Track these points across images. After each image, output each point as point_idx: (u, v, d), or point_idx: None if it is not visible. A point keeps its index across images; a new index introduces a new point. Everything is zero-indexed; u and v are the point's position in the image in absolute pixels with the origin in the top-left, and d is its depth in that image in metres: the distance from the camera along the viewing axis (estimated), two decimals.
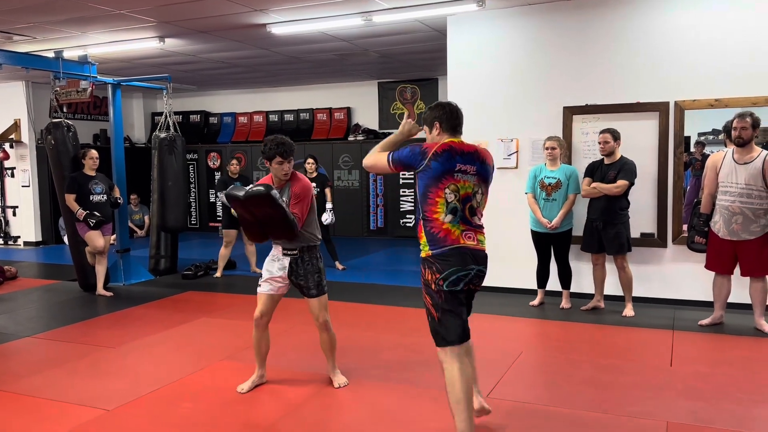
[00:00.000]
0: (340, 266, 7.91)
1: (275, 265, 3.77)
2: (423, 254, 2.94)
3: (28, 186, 10.79)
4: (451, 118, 3.03)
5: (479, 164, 2.96)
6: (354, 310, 5.82)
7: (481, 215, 3.01)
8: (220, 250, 7.59)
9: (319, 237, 3.88)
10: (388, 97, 11.13)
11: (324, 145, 11.24)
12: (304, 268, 3.73)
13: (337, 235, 10.00)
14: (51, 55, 6.87)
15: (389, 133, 11.17)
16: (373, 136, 11.03)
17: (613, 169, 5.34)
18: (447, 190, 2.89)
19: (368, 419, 3.41)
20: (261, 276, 3.83)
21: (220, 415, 3.48)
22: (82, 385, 3.97)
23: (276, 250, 3.79)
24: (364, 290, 6.70)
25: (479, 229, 2.98)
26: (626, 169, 5.30)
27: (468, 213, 2.92)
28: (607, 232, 5.37)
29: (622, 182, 5.26)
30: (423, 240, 2.94)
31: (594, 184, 5.38)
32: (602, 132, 5.40)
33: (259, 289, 3.82)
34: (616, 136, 5.36)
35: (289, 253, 3.73)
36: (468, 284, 2.92)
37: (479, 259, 2.94)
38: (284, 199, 3.63)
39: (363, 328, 5.24)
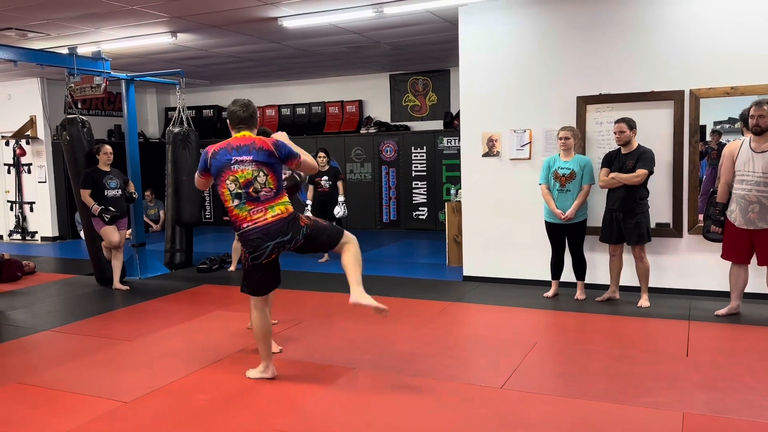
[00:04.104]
0: None
1: None
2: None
3: (45, 182, 10.91)
4: (234, 117, 3.59)
5: (255, 152, 3.48)
6: None
7: (271, 190, 3.50)
8: (232, 243, 7.64)
9: None
10: (400, 89, 11.11)
11: (336, 138, 11.24)
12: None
13: (349, 228, 10.01)
14: (65, 51, 6.93)
15: (402, 126, 11.14)
16: (385, 129, 11.02)
17: (630, 158, 5.29)
18: (227, 182, 3.47)
19: (382, 410, 3.42)
20: None
21: (236, 406, 3.51)
22: (100, 378, 4.02)
23: None
24: (377, 282, 6.70)
25: (269, 200, 3.49)
26: (645, 158, 5.25)
27: (253, 193, 3.47)
28: (627, 222, 5.32)
29: (641, 171, 5.21)
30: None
31: (612, 174, 5.33)
32: (617, 121, 5.35)
33: None
34: (631, 125, 5.30)
35: None
36: (269, 256, 3.51)
37: (273, 233, 3.46)
38: None
39: (376, 319, 5.24)
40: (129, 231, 7.13)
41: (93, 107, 11.45)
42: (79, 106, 7.09)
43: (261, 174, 3.47)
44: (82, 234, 8.75)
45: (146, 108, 12.82)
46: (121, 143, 7.99)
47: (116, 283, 6.73)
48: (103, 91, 6.86)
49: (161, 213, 11.30)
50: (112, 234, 6.50)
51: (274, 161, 3.53)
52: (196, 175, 3.75)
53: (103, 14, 6.40)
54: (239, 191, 3.43)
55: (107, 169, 6.60)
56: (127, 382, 3.90)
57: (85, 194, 6.45)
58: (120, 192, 6.62)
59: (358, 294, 3.55)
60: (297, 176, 5.05)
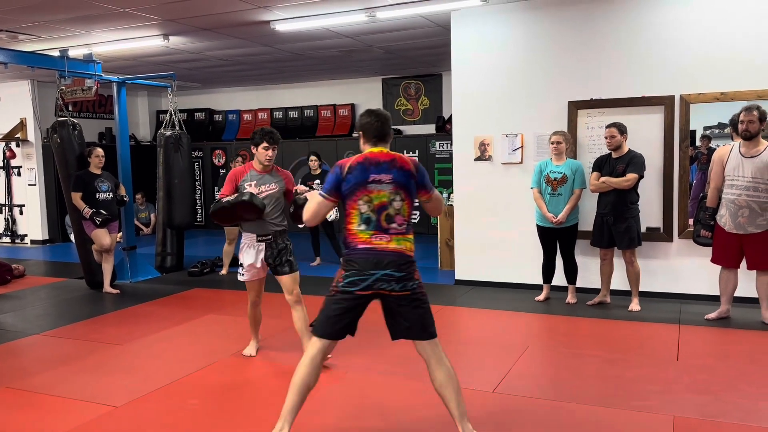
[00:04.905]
0: None
1: (251, 253, 4.15)
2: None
3: (35, 184, 10.84)
4: (372, 128, 3.04)
5: (395, 171, 2.95)
6: None
7: (403, 221, 2.97)
8: (223, 247, 7.63)
9: (286, 223, 4.29)
10: (393, 93, 11.12)
11: (328, 141, 11.25)
12: (278, 249, 4.16)
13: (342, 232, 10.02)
14: (56, 53, 6.89)
15: (395, 130, 11.20)
16: None
17: (621, 162, 5.32)
18: (360, 202, 2.93)
19: (374, 413, 3.42)
20: (241, 267, 4.20)
21: (227, 411, 3.50)
22: (90, 382, 3.99)
23: (248, 239, 4.18)
24: None
25: (398, 234, 2.95)
26: (635, 162, 5.28)
27: (384, 221, 2.94)
28: (618, 227, 5.35)
29: (631, 175, 5.25)
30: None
31: (603, 179, 5.36)
32: (608, 126, 5.39)
33: (244, 278, 4.22)
34: (622, 130, 5.34)
35: (263, 238, 4.15)
36: (368, 289, 2.90)
37: (386, 262, 2.89)
38: (268, 186, 4.14)
39: (368, 324, 5.24)
40: (120, 234, 7.09)
41: (84, 110, 11.39)
42: (70, 108, 7.07)
43: (397, 199, 2.95)
44: (72, 237, 8.69)
45: (138, 111, 12.77)
46: (112, 146, 7.95)
47: (106, 287, 6.69)
48: (94, 93, 6.84)
49: (152, 216, 11.25)
50: (103, 237, 6.46)
51: (413, 186, 3.00)
52: (318, 199, 3.03)
53: (95, 17, 6.38)
54: (370, 215, 2.92)
55: (98, 172, 6.57)
56: (117, 387, 3.88)
57: (76, 197, 6.41)
58: (111, 195, 6.59)
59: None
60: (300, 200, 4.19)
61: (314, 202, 3.06)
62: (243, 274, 4.21)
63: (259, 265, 4.16)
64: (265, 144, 4.08)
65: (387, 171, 2.95)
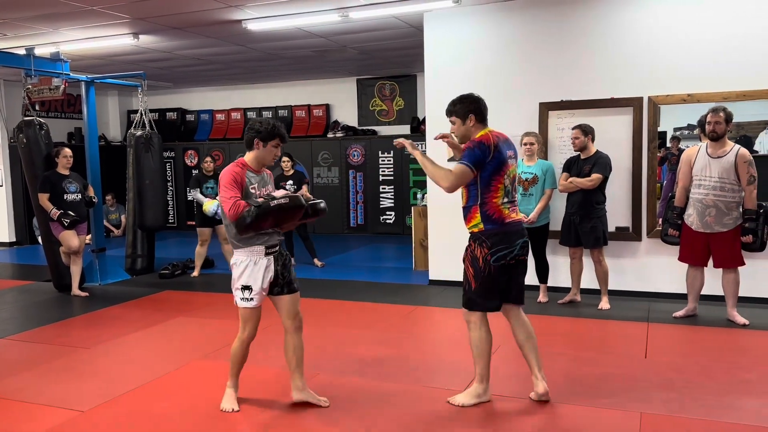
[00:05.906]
0: (318, 263, 7.90)
1: (260, 272, 3.34)
2: (475, 230, 3.31)
3: (1, 186, 10.61)
4: (484, 109, 3.39)
5: (513, 148, 3.39)
6: (333, 307, 5.82)
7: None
8: (196, 248, 7.55)
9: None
10: (367, 94, 11.12)
11: (303, 142, 11.20)
12: (284, 262, 3.46)
13: (316, 233, 10.00)
14: (22, 52, 6.75)
15: (369, 130, 11.04)
16: (352, 133, 11.02)
17: (588, 163, 5.40)
18: (505, 176, 3.26)
19: (346, 415, 3.40)
20: (248, 290, 3.35)
21: (196, 414, 3.46)
22: (56, 387, 3.91)
23: (252, 255, 3.34)
24: (344, 287, 6.69)
25: (516, 203, 3.41)
26: (600, 163, 5.36)
27: (513, 192, 3.35)
28: (584, 226, 5.42)
29: (595, 176, 5.33)
30: (477, 219, 3.30)
31: (570, 179, 5.45)
32: (574, 128, 5.48)
33: (250, 304, 3.35)
34: (587, 131, 5.42)
35: (272, 250, 3.39)
36: (513, 258, 3.31)
37: (522, 231, 3.36)
38: (267, 188, 3.46)
39: (341, 324, 5.24)
40: (89, 236, 6.97)
41: (52, 109, 11.19)
42: (37, 108, 6.92)
43: (516, 172, 3.42)
44: (39, 239, 8.54)
45: (107, 110, 12.58)
46: (81, 146, 7.81)
47: (75, 290, 6.57)
48: (62, 92, 6.71)
49: (122, 218, 11.09)
50: (71, 239, 6.34)
51: None
52: (462, 168, 3.25)
53: (62, 14, 6.26)
54: (508, 188, 3.31)
55: (66, 172, 6.44)
56: (84, 391, 3.81)
57: (44, 198, 6.29)
58: (79, 196, 6.47)
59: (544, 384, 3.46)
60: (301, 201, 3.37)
61: (460, 172, 3.25)
62: (251, 299, 3.33)
63: (266, 285, 3.37)
64: (276, 141, 3.36)
65: (510, 147, 3.36)
